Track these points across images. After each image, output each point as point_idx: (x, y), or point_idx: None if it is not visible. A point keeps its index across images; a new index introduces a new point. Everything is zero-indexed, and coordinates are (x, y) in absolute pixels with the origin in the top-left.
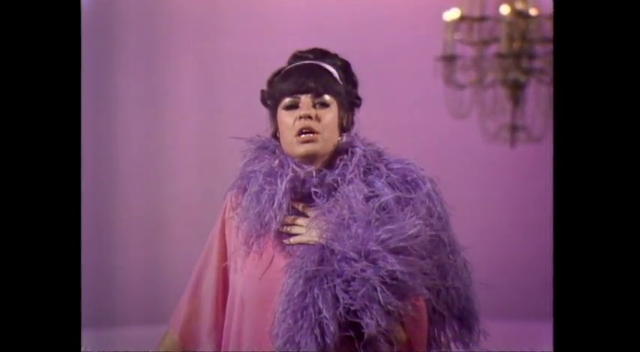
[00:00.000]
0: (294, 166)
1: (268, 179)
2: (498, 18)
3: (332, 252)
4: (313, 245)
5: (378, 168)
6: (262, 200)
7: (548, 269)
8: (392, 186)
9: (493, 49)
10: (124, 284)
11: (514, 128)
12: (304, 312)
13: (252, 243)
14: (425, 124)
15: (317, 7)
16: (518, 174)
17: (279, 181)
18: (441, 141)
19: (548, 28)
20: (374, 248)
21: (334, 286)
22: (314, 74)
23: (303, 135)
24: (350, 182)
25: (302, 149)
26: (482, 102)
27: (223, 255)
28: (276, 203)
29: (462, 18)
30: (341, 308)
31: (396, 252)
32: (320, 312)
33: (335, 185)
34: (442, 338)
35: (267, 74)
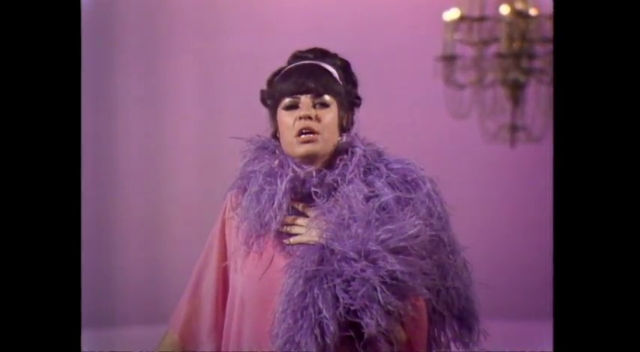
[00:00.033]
0: (294, 166)
1: (268, 179)
2: (498, 18)
3: (332, 251)
4: (313, 245)
5: (378, 168)
6: (262, 200)
7: (548, 269)
8: (392, 186)
9: (493, 49)
10: (124, 284)
11: (514, 128)
12: (304, 312)
13: (252, 243)
14: (425, 124)
15: (317, 7)
16: (518, 174)
17: (279, 181)
18: (441, 141)
19: (548, 28)
20: (374, 248)
21: (334, 286)
22: (314, 74)
23: (303, 136)
24: (350, 182)
25: (302, 149)
26: (482, 102)
27: (223, 255)
28: (276, 203)
29: (462, 18)
30: (341, 308)
31: (396, 251)
32: (320, 312)
33: (335, 185)
34: (442, 338)
35: (267, 74)
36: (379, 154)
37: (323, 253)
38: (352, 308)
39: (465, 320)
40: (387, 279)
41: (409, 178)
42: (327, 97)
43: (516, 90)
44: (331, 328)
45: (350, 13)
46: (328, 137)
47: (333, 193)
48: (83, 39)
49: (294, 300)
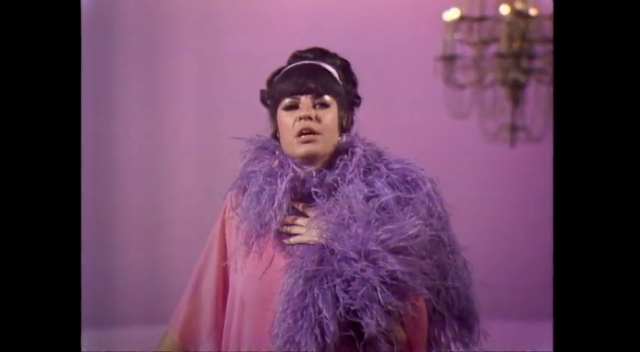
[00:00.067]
0: (294, 166)
1: (268, 179)
2: (498, 18)
3: (332, 251)
4: (313, 245)
5: (378, 168)
6: (262, 200)
7: (548, 269)
8: (392, 186)
9: (493, 49)
10: (124, 284)
11: (514, 128)
12: (304, 312)
13: (252, 243)
14: (425, 124)
15: (317, 7)
16: (518, 174)
17: (279, 181)
18: (441, 141)
19: (548, 28)
20: (374, 248)
21: (334, 286)
22: (314, 74)
23: (303, 136)
24: (350, 182)
25: (302, 149)
26: (482, 102)
27: (223, 255)
28: (276, 203)
29: (462, 18)
30: (341, 308)
31: (396, 251)
32: (320, 312)
33: (335, 185)
34: (442, 338)
35: (267, 74)
36: (379, 154)
37: (323, 253)
38: (352, 308)
39: (465, 320)
40: (387, 279)
41: (409, 178)
42: (327, 98)
43: (516, 90)
44: (331, 328)
45: (350, 13)
46: (328, 137)
47: (333, 193)
48: (83, 39)
49: (294, 300)
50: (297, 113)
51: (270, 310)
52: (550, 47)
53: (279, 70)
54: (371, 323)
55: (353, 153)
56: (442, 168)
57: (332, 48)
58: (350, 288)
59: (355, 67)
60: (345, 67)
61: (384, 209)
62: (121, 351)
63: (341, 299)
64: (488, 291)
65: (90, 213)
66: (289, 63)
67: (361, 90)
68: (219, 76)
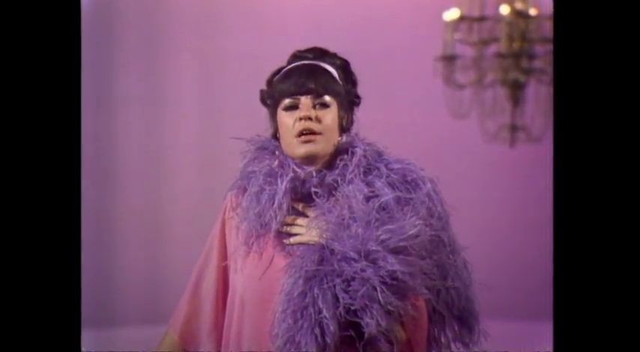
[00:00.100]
0: (294, 167)
1: (268, 179)
2: (498, 18)
3: (332, 251)
4: (313, 245)
5: (378, 168)
6: (262, 200)
7: (548, 269)
8: (392, 186)
9: (493, 49)
10: (124, 284)
11: (514, 128)
12: (304, 312)
13: (252, 243)
14: (425, 124)
15: (317, 7)
16: (518, 174)
17: (279, 181)
18: (441, 141)
19: (548, 28)
20: (374, 248)
21: (334, 286)
22: (314, 75)
23: (303, 137)
24: (350, 182)
25: (302, 150)
26: (482, 102)
27: (223, 255)
28: (276, 203)
29: (462, 18)
30: (341, 308)
31: (396, 251)
32: (320, 312)
33: (335, 185)
34: (442, 339)
35: (267, 74)
36: (379, 154)
37: (323, 253)
38: (352, 307)
39: (465, 320)
40: (387, 279)
41: (409, 178)
42: (327, 98)
43: (516, 90)
44: (331, 328)
45: (350, 13)
46: (328, 137)
47: (333, 193)
48: (83, 39)
49: (294, 300)
50: (297, 113)
51: (270, 310)
52: (550, 47)
53: (279, 70)
54: (371, 323)
55: (353, 153)
56: (442, 168)
57: (332, 48)
58: (350, 288)
59: (355, 67)
60: (344, 66)
61: (384, 209)
62: (121, 351)
63: (341, 299)
64: (488, 291)
65: (90, 213)
66: (289, 63)
67: (361, 90)
68: (219, 75)
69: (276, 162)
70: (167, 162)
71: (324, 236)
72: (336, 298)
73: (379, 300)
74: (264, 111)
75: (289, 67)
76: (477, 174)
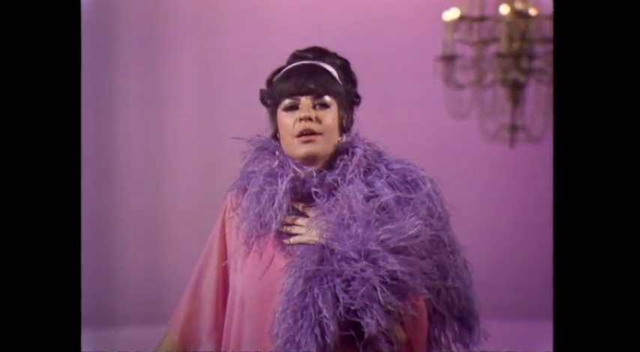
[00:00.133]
0: (294, 167)
1: (268, 179)
2: (498, 18)
3: (332, 251)
4: (313, 245)
5: (378, 168)
6: (262, 200)
7: (548, 269)
8: (392, 186)
9: (493, 49)
10: (124, 284)
11: (514, 128)
12: (304, 312)
13: (252, 243)
14: (425, 124)
15: (317, 7)
16: (518, 174)
17: (279, 181)
18: (441, 141)
19: (548, 28)
20: (374, 248)
21: (334, 286)
22: (314, 75)
23: (303, 137)
24: (350, 182)
25: (302, 150)
26: (482, 102)
27: (223, 255)
28: (276, 203)
29: (462, 18)
30: (341, 308)
31: (396, 251)
32: (320, 312)
33: (335, 185)
34: (442, 339)
35: (267, 73)
36: (379, 154)
37: (323, 253)
38: (352, 307)
39: (465, 320)
40: (387, 279)
41: (409, 178)
42: (327, 98)
43: (516, 90)
44: (331, 328)
45: (350, 13)
46: (328, 138)
47: (333, 193)
48: (83, 39)
49: (294, 300)
50: (297, 114)
51: (270, 310)
52: (550, 47)
53: (279, 70)
54: (371, 322)
55: (353, 153)
56: (442, 168)
57: (332, 48)
58: (350, 288)
59: (355, 67)
60: (344, 66)
61: (384, 209)
62: (121, 351)
63: (341, 299)
64: (488, 291)
65: (90, 213)
66: (289, 63)
67: (361, 90)
68: (219, 75)
69: (276, 163)
70: (167, 162)
71: (324, 236)
72: (336, 298)
73: (379, 300)
74: (264, 111)
75: (289, 67)
76: (477, 174)
